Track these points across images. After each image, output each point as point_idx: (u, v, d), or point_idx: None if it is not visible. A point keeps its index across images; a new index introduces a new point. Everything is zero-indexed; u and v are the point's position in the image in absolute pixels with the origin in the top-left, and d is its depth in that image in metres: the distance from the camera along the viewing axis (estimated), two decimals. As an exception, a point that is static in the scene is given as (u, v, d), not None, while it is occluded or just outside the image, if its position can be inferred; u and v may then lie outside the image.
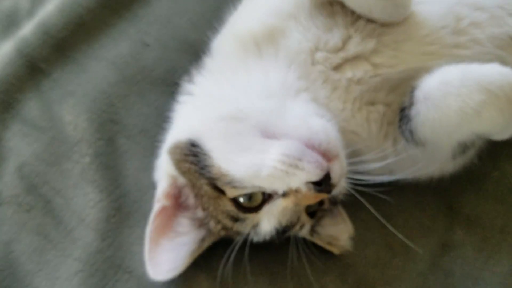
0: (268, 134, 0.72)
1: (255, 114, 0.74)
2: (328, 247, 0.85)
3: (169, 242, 0.77)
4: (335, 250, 0.85)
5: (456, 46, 0.80)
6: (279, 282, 0.85)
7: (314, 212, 0.80)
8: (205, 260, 0.82)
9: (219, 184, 0.73)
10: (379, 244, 0.88)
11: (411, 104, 0.77)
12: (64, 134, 0.95)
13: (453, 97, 0.71)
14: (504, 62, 0.76)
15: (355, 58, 0.80)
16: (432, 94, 0.74)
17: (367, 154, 0.81)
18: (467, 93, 0.70)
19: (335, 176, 0.71)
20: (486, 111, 0.70)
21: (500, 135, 0.76)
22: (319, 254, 0.85)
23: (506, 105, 0.70)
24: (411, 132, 0.78)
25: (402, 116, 0.79)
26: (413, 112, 0.76)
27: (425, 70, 0.77)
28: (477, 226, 0.89)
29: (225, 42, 0.87)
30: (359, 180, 0.77)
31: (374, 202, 0.81)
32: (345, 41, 0.80)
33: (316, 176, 0.69)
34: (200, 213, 0.79)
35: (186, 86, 0.88)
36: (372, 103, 0.83)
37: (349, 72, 0.80)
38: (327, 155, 0.70)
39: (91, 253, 0.86)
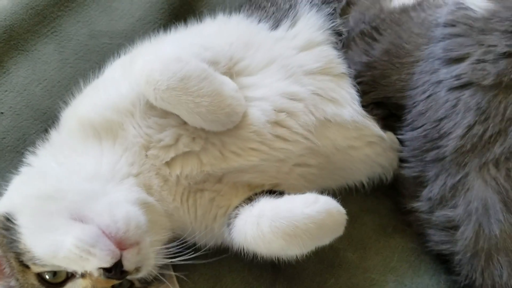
0: (77, 217, 0.77)
1: (71, 195, 0.79)
2: None
3: None
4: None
5: (276, 138, 0.90)
6: None
7: None
8: None
9: (24, 259, 0.77)
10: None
11: (229, 224, 0.89)
12: None
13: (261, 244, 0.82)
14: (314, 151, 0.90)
15: (186, 154, 0.88)
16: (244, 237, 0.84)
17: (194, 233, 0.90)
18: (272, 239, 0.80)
19: (127, 263, 0.76)
20: (289, 251, 0.82)
21: None
22: None
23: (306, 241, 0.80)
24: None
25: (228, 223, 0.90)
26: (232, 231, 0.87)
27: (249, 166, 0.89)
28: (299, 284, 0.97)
29: (70, 121, 0.92)
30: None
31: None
32: (177, 139, 0.88)
33: (106, 263, 0.73)
34: (13, 283, 0.81)
35: (28, 157, 0.92)
36: (200, 190, 0.91)
37: (178, 169, 0.88)
38: (122, 243, 0.76)
39: None
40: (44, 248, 0.76)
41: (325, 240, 0.84)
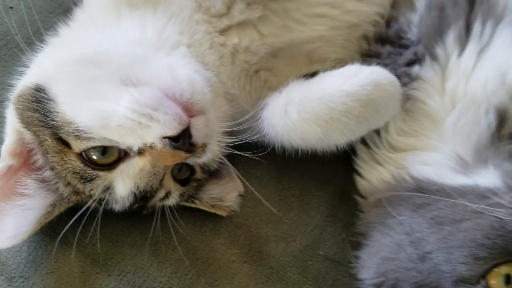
0: (128, 82, 0.64)
1: (117, 58, 0.67)
2: (212, 210, 0.78)
3: (13, 206, 0.68)
4: (221, 212, 0.79)
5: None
6: (162, 252, 0.77)
7: (186, 180, 0.73)
8: (74, 236, 0.73)
9: (64, 134, 0.63)
10: (273, 200, 0.82)
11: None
12: None
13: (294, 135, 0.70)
14: None
15: (242, 24, 0.75)
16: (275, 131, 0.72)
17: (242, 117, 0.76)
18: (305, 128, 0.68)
19: (197, 133, 0.63)
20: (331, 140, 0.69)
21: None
22: (209, 216, 0.79)
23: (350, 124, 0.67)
24: None
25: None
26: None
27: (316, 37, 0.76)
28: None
29: None
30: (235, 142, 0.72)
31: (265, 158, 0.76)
32: (230, 7, 0.74)
33: (172, 129, 0.61)
34: (48, 174, 0.69)
35: (50, 39, 0.78)
36: (256, 72, 0.78)
37: (235, 38, 0.75)
38: (189, 109, 0.63)
39: None
40: (91, 115, 0.62)
41: (379, 120, 0.70)
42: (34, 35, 0.91)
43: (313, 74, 0.76)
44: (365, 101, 0.65)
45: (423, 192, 0.61)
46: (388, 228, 0.65)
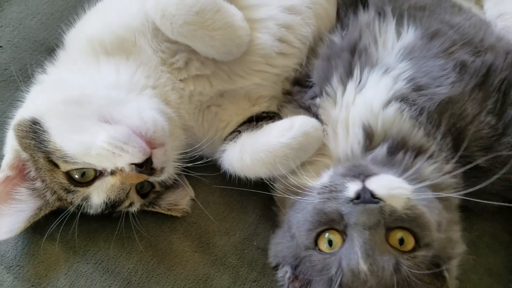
0: (105, 119, 0.82)
1: (97, 100, 0.84)
2: (169, 213, 0.97)
3: (9, 208, 0.86)
4: (176, 214, 0.98)
5: (278, 55, 0.95)
6: (129, 245, 0.95)
7: (147, 193, 0.93)
8: (59, 233, 0.91)
9: (54, 158, 0.82)
10: (218, 203, 1.02)
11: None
12: None
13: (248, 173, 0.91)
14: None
15: (197, 76, 0.94)
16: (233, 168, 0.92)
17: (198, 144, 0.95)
18: (256, 170, 0.89)
19: (157, 161, 0.83)
20: (275, 173, 0.89)
21: None
22: (167, 217, 0.98)
23: (288, 163, 0.87)
24: None
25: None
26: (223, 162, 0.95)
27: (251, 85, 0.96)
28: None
29: (78, 40, 0.95)
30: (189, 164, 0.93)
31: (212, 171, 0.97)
32: (188, 63, 0.92)
33: (138, 158, 0.80)
34: (39, 184, 0.87)
35: (39, 76, 0.95)
36: (207, 107, 0.98)
37: (191, 86, 0.94)
38: (152, 143, 0.82)
39: None
40: (76, 145, 0.80)
41: (308, 155, 0.90)
42: (20, 70, 1.09)
43: (258, 117, 0.97)
44: (297, 148, 0.87)
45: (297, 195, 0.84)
46: (282, 222, 0.89)
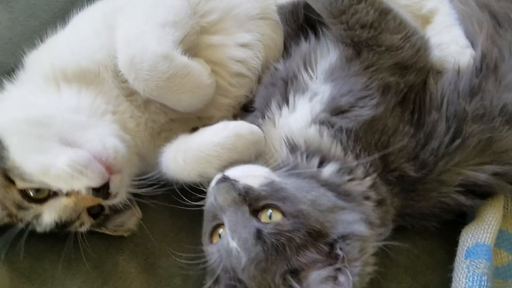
0: (66, 142, 0.85)
1: (58, 122, 0.86)
2: (115, 234, 0.99)
3: None
4: (123, 233, 0.99)
5: (230, 87, 1.01)
6: (74, 266, 0.95)
7: (97, 214, 0.94)
8: (6, 255, 0.92)
9: (11, 175, 0.83)
10: (166, 224, 1.03)
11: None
12: None
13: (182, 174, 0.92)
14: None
15: (154, 109, 0.98)
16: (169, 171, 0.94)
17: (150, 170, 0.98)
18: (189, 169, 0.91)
19: (113, 186, 0.86)
20: (210, 174, 0.89)
21: None
22: (115, 237, 0.99)
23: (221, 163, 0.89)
24: None
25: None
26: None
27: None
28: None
29: (41, 63, 0.98)
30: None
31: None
32: (147, 103, 0.97)
33: (96, 183, 0.83)
34: None
35: (6, 86, 0.97)
36: (158, 133, 1.01)
37: (147, 114, 0.98)
38: (111, 169, 0.85)
39: None
40: (35, 166, 0.82)
41: (243, 158, 0.91)
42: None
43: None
44: (231, 148, 0.88)
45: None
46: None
